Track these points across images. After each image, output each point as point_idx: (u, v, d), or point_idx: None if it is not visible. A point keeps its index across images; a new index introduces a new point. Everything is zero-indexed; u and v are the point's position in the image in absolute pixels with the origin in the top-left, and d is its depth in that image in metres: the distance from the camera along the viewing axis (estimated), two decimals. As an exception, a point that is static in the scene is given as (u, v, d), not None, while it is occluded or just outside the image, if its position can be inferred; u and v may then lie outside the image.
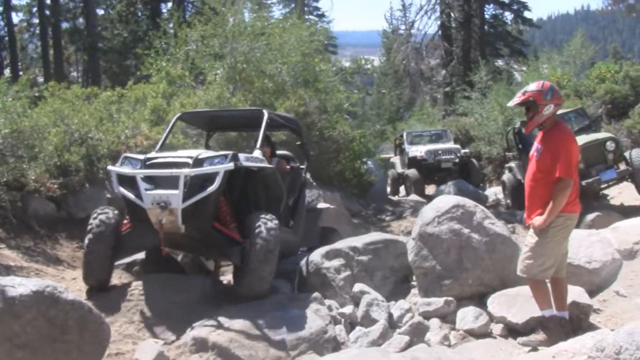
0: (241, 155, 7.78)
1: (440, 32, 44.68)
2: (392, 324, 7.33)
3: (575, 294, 6.81)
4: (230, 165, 7.42)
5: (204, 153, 7.71)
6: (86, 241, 7.67)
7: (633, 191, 14.49)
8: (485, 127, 25.18)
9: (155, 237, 7.37)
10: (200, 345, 6.49)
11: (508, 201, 17.56)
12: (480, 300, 7.59)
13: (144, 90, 15.63)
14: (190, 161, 7.40)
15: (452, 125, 28.99)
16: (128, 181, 7.46)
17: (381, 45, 60.87)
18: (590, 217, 12.78)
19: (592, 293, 7.30)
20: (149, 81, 16.89)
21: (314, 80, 17.90)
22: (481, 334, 7.01)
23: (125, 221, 8.02)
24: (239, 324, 6.68)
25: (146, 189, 7.25)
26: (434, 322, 7.31)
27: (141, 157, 7.75)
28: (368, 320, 7.29)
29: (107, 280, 7.92)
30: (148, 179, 7.36)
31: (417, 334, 7.08)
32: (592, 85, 21.38)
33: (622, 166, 13.99)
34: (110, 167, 7.91)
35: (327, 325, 7.00)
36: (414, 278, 8.20)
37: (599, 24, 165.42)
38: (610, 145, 13.81)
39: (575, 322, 6.51)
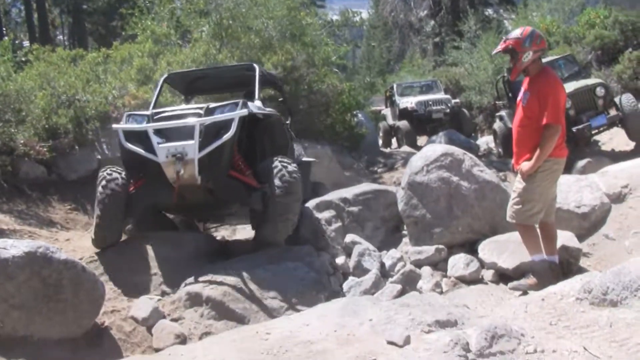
0: (249, 103, 7.66)
1: (428, -18, 44.31)
2: (384, 273, 7.42)
3: (565, 238, 6.88)
4: (244, 111, 7.28)
5: (212, 104, 7.59)
6: (98, 205, 7.32)
7: (624, 136, 14.52)
8: (475, 76, 25.10)
9: (166, 194, 7.33)
10: (195, 299, 6.53)
11: (500, 150, 17.56)
12: (470, 247, 7.68)
13: (130, 50, 15.51)
14: (201, 111, 7.32)
15: (442, 75, 28.87)
16: (137, 137, 7.27)
17: (369, -3, 60.28)
18: (582, 163, 12.83)
19: (581, 237, 7.38)
20: (135, 41, 16.72)
21: (301, 34, 17.69)
22: (472, 280, 7.11)
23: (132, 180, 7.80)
24: (233, 278, 6.72)
25: (159, 142, 7.08)
26: (426, 270, 7.39)
27: (147, 112, 7.61)
28: (360, 270, 7.37)
29: (118, 241, 7.70)
30: (158, 132, 7.20)
31: (409, 282, 7.17)
32: (581, 31, 21.26)
33: (613, 112, 13.97)
34: (115, 125, 7.59)
35: (320, 277, 7.07)
36: (405, 227, 8.27)
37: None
38: (600, 91, 13.77)
39: (565, 266, 6.59)
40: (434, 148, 8.35)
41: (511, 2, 43.10)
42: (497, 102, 17.99)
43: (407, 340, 4.17)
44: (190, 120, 7.15)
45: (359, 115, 20.33)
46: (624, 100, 13.78)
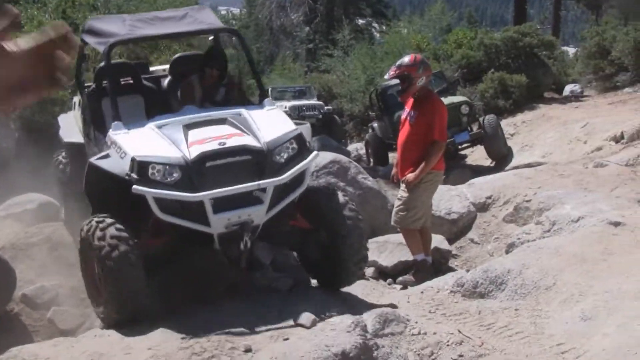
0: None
1: (305, -11, 45.14)
2: (275, 268, 8.01)
3: (437, 241, 7.79)
4: (316, 155, 5.92)
5: (262, 127, 5.80)
6: (106, 278, 5.24)
7: (484, 152, 15.73)
8: (348, 84, 26.00)
9: (201, 249, 5.84)
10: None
11: (370, 158, 18.43)
12: (354, 247, 8.45)
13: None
14: (262, 155, 5.52)
15: (315, 82, 29.60)
16: (177, 202, 5.32)
17: (242, -3, 60.47)
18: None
19: (450, 240, 8.33)
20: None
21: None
22: (356, 276, 7.89)
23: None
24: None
25: (215, 212, 5.27)
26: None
27: (176, 157, 5.43)
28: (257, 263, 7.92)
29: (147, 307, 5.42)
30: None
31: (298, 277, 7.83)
32: (450, 49, 22.64)
33: (475, 129, 15.08)
34: (139, 188, 5.25)
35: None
36: (294, 227, 8.95)
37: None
38: (464, 109, 14.74)
39: (436, 265, 7.49)
40: (322, 155, 9.06)
41: (384, 15, 44.71)
42: (370, 113, 18.89)
43: (313, 323, 4.88)
44: (263, 182, 5.36)
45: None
46: (486, 121, 14.84)
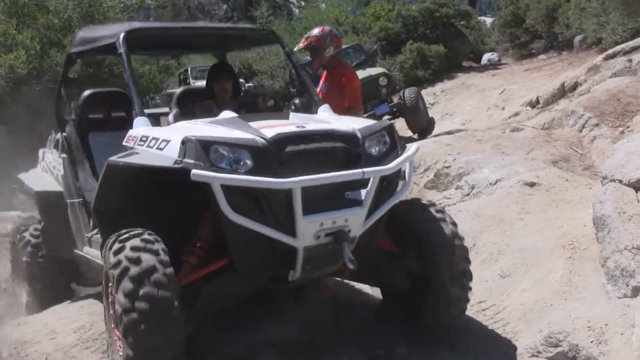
0: None
1: (222, -34, 44.64)
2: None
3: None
4: (417, 149, 4.48)
5: (339, 120, 4.70)
6: (131, 315, 3.62)
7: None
8: (268, 61, 25.88)
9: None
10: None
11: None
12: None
13: None
14: (356, 143, 4.15)
15: (235, 59, 29.46)
16: (252, 199, 3.85)
17: (160, -23, 59.45)
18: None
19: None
20: None
21: (103, 18, 17.63)
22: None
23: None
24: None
25: (306, 214, 3.83)
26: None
27: (248, 138, 3.95)
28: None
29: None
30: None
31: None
32: (368, 22, 22.78)
33: (395, 100, 15.14)
34: (201, 173, 3.65)
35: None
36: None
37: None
38: (382, 81, 14.74)
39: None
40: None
41: (302, -10, 44.56)
42: (291, 89, 18.86)
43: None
44: (369, 170, 4.00)
45: (156, 98, 20.57)
46: (407, 93, 14.78)
